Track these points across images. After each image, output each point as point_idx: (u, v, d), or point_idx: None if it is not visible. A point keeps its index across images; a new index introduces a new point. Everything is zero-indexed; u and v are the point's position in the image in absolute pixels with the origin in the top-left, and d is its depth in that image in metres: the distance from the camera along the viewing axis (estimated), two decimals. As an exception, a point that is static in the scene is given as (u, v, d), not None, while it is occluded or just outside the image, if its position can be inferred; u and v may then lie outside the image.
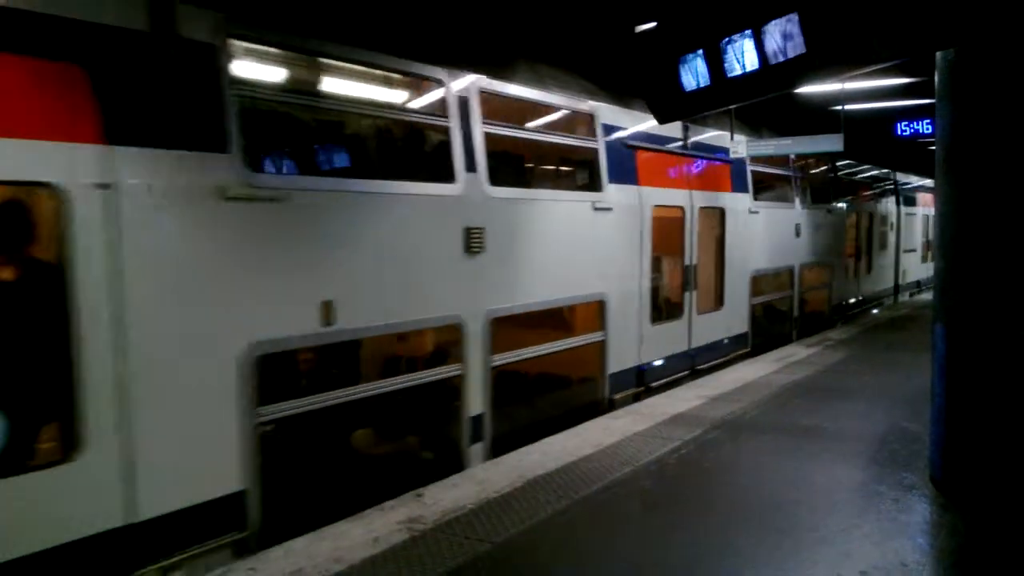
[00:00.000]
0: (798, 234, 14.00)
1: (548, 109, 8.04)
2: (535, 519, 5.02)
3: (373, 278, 5.87)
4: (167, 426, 4.53)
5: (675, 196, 10.12)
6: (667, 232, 9.95)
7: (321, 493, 5.53)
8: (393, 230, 6.03)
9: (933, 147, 5.85)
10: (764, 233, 12.59)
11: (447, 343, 6.79)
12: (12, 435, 4.08)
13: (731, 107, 9.08)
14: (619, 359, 8.90)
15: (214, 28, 4.84)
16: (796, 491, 5.54)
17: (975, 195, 5.21)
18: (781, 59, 5.00)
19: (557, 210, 7.87)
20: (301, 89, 5.93)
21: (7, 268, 4.37)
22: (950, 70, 5.31)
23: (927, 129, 13.32)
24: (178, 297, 4.61)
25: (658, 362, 9.71)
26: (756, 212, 12.18)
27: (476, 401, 6.80)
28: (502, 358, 7.09)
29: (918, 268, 24.03)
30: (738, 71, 5.29)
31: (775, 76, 5.10)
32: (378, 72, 6.28)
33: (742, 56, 5.18)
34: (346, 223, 5.67)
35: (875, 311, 19.03)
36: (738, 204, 11.69)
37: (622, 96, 8.94)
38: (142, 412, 4.40)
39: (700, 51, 5.49)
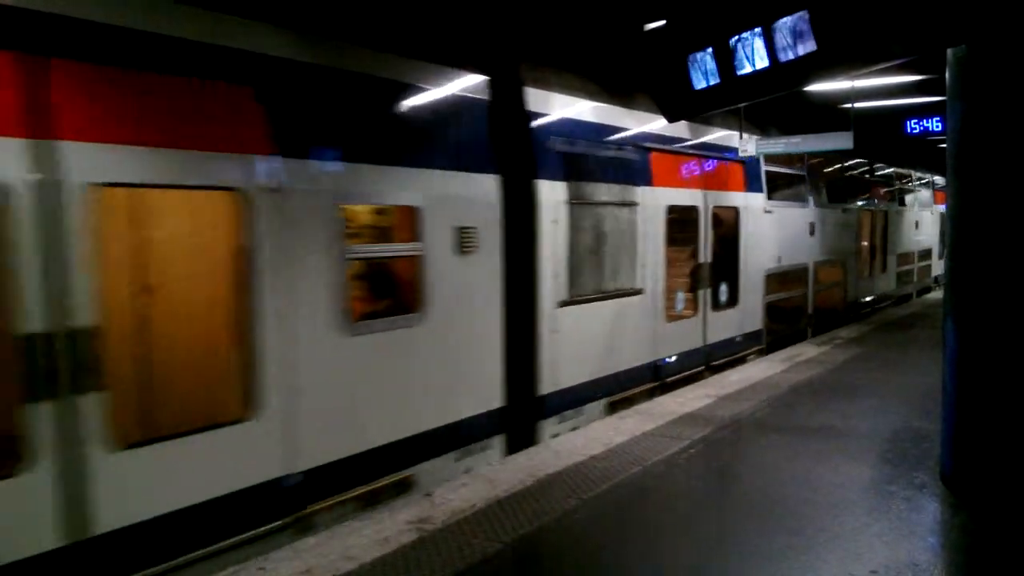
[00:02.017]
0: (917, 228, 21.43)
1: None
2: (544, 519, 5.02)
3: (787, 244, 12.71)
4: (749, 299, 11.50)
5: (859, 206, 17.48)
6: (867, 227, 17.62)
7: (778, 336, 12.50)
8: (792, 225, 13.02)
9: (942, 145, 5.82)
10: (906, 225, 20.28)
11: (802, 277, 13.62)
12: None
13: (740, 105, 9.13)
14: (852, 295, 16.32)
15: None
16: (806, 490, 5.52)
17: (986, 192, 5.16)
18: (791, 57, 4.99)
19: (835, 214, 14.88)
20: (776, 164, 12.52)
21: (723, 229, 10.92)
22: (961, 67, 5.26)
23: (937, 127, 13.24)
24: (754, 244, 11.52)
25: (860, 301, 17.11)
26: (899, 212, 19.81)
27: (810, 306, 13.96)
28: (815, 288, 14.05)
29: None
30: (748, 69, 5.28)
31: (785, 74, 5.09)
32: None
33: (752, 54, 5.16)
34: (782, 220, 12.49)
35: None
36: (894, 208, 19.41)
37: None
38: (746, 294, 11.37)
39: (710, 49, 5.48)
